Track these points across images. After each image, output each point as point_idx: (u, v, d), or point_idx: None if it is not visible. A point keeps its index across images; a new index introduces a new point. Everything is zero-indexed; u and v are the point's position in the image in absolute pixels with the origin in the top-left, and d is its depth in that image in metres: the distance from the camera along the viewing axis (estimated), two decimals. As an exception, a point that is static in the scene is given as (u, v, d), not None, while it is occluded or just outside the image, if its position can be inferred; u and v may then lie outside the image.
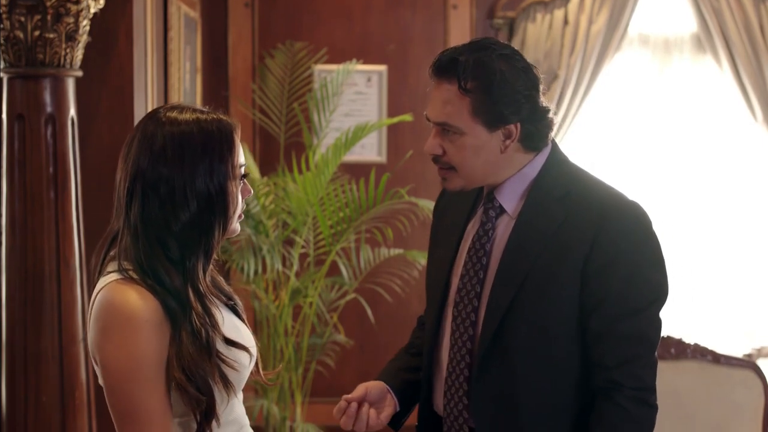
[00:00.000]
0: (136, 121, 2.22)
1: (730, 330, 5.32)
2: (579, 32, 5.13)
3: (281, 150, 5.11)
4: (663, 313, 2.13)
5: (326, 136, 4.81)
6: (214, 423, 1.87)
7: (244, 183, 1.96)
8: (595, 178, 2.20)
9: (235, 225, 1.96)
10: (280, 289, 4.63)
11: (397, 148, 5.25)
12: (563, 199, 2.12)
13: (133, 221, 1.87)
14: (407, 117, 4.73)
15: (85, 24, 3.20)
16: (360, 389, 2.27)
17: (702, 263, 5.34)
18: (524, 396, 2.11)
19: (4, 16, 3.12)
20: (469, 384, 2.16)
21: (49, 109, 3.18)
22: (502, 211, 2.18)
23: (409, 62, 5.28)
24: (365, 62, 5.13)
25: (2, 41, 3.15)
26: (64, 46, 3.15)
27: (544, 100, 2.15)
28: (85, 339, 1.99)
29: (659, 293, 2.11)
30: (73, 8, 3.12)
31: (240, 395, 2.00)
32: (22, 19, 3.10)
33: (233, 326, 1.98)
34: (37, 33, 3.11)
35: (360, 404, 2.25)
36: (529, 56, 4.92)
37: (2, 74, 3.22)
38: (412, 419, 2.37)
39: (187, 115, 1.89)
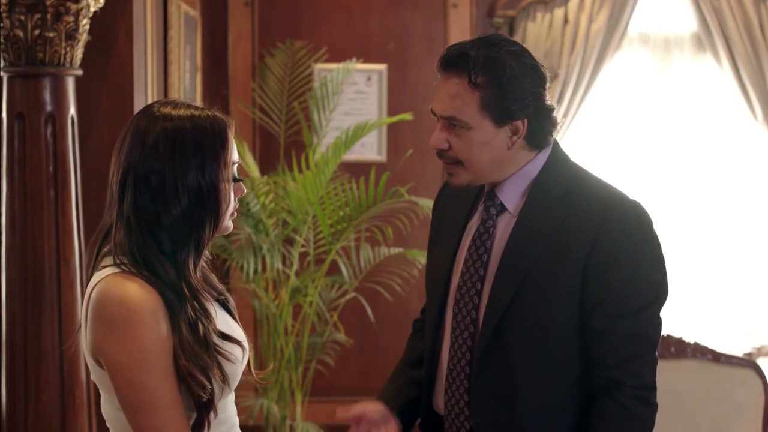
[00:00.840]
0: (136, 121, 2.22)
1: (730, 329, 5.32)
2: (579, 31, 5.13)
3: (281, 149, 5.11)
4: (663, 312, 2.13)
5: (326, 135, 4.81)
6: (209, 419, 1.87)
7: (237, 181, 1.95)
8: (596, 178, 2.20)
9: (228, 223, 1.95)
10: (280, 288, 4.63)
11: (397, 147, 5.25)
12: (564, 198, 2.12)
13: (126, 214, 1.86)
14: (407, 116, 4.73)
15: (85, 23, 3.19)
16: (357, 409, 2.26)
17: (702, 263, 5.34)
18: (524, 394, 2.11)
19: (4, 15, 3.12)
20: (469, 382, 2.16)
21: (49, 108, 3.18)
22: (503, 208, 2.18)
23: (409, 61, 5.28)
24: (365, 61, 5.13)
25: (2, 40, 3.15)
26: (64, 45, 3.15)
27: (549, 99, 2.15)
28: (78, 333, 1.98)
29: (659, 292, 2.11)
30: (73, 7, 3.12)
31: (233, 395, 2.00)
32: (22, 18, 3.10)
33: (224, 322, 1.97)
34: (37, 32, 3.11)
35: (358, 421, 2.24)
36: (529, 55, 4.91)
37: (2, 73, 3.22)
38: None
39: (181, 111, 1.89)
